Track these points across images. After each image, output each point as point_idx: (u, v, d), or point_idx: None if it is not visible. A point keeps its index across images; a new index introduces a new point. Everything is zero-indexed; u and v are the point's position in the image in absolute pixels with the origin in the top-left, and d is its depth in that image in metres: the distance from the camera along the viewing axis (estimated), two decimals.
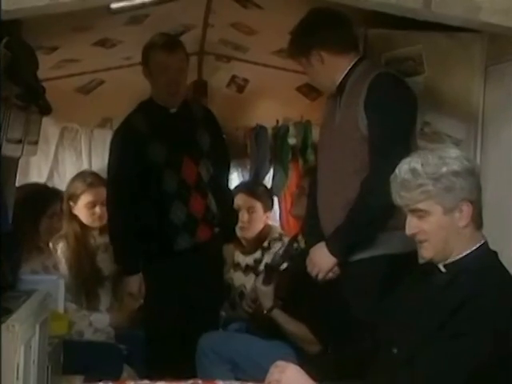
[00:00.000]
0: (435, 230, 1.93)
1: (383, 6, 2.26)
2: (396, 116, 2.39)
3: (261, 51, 3.72)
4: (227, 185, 3.43)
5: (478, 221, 1.96)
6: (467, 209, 1.92)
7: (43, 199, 3.07)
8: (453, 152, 1.96)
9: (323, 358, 2.46)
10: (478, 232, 1.97)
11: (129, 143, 3.03)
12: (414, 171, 1.92)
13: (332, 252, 2.47)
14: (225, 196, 3.27)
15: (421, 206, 1.93)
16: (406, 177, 1.92)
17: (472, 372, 1.79)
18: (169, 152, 3.03)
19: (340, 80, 2.53)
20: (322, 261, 2.50)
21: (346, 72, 2.52)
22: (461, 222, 1.92)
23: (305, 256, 2.63)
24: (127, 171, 3.02)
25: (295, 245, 3.03)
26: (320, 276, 2.52)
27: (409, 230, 1.97)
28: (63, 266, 3.20)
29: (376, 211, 2.39)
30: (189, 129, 3.12)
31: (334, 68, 2.53)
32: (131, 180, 3.01)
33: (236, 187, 3.79)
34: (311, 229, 2.69)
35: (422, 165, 1.91)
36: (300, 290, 2.83)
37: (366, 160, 2.42)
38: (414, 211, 1.95)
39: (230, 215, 3.30)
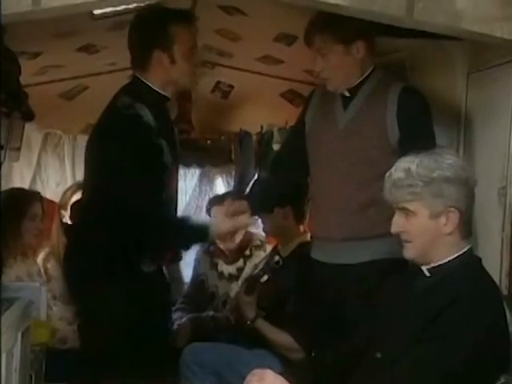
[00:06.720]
0: (419, 233, 1.94)
1: (366, 14, 2.27)
2: (427, 132, 2.44)
3: (245, 57, 3.72)
4: None
5: (464, 230, 1.96)
6: (453, 216, 1.92)
7: (22, 201, 3.06)
8: (450, 158, 1.96)
9: (305, 363, 2.45)
10: (463, 241, 1.97)
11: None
12: (407, 171, 1.94)
13: None
14: None
15: (408, 205, 1.94)
16: (399, 175, 1.95)
17: (450, 376, 1.80)
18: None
19: (356, 83, 2.53)
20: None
21: (365, 76, 2.52)
22: (446, 229, 1.93)
23: (287, 267, 2.63)
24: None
25: (276, 257, 3.03)
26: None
27: (394, 228, 1.98)
28: (54, 285, 3.16)
29: None
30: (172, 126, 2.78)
31: (358, 66, 2.51)
32: None
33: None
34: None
35: (417, 166, 1.93)
36: (283, 298, 2.82)
37: (384, 168, 2.43)
38: (402, 210, 1.96)
39: None
